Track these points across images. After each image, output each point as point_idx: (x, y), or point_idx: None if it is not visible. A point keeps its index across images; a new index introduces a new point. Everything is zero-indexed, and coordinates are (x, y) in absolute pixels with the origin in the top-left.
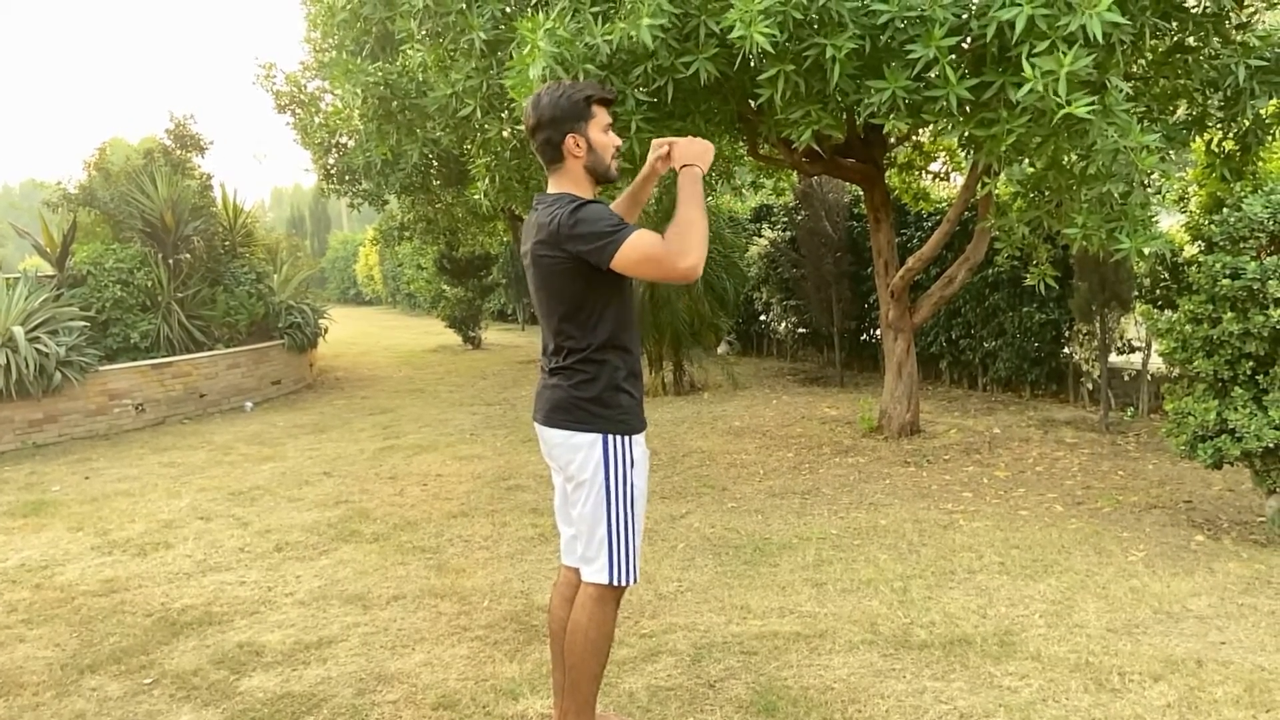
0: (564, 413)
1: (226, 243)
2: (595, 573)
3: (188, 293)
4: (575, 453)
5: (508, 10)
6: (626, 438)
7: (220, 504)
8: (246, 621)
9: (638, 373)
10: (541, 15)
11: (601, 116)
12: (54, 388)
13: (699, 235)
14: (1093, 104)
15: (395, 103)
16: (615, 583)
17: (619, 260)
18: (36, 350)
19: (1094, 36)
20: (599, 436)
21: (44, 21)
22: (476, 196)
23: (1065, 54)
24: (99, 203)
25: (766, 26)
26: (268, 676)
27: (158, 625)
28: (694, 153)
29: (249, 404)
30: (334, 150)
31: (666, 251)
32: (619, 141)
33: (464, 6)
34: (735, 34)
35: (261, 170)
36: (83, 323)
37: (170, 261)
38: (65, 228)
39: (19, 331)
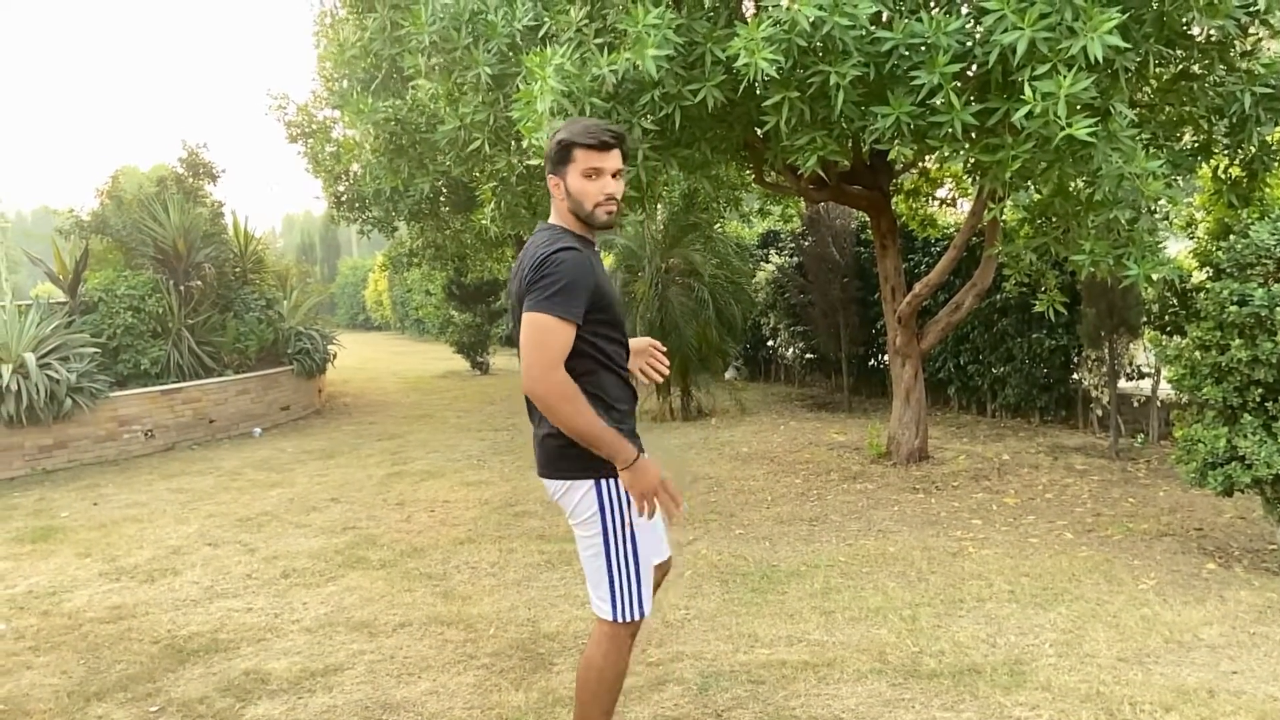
0: (555, 464)
1: (237, 269)
2: (602, 609)
3: (198, 319)
4: (572, 498)
5: (516, 42)
6: (617, 479)
7: (228, 530)
8: (253, 649)
9: (625, 401)
10: (549, 50)
11: (584, 161)
12: (64, 414)
13: (562, 410)
14: (1095, 126)
15: (405, 137)
16: (619, 619)
17: (528, 319)
18: (48, 376)
19: (1095, 59)
20: (592, 483)
21: (56, 50)
22: (484, 222)
23: (1065, 77)
24: (111, 230)
25: (771, 53)
26: (274, 705)
27: (164, 652)
28: (632, 482)
29: (258, 430)
30: (344, 178)
31: (541, 358)
32: (612, 188)
33: (470, 42)
34: (740, 62)
35: (272, 197)
36: (94, 349)
37: (181, 288)
38: (77, 255)
39: (30, 358)
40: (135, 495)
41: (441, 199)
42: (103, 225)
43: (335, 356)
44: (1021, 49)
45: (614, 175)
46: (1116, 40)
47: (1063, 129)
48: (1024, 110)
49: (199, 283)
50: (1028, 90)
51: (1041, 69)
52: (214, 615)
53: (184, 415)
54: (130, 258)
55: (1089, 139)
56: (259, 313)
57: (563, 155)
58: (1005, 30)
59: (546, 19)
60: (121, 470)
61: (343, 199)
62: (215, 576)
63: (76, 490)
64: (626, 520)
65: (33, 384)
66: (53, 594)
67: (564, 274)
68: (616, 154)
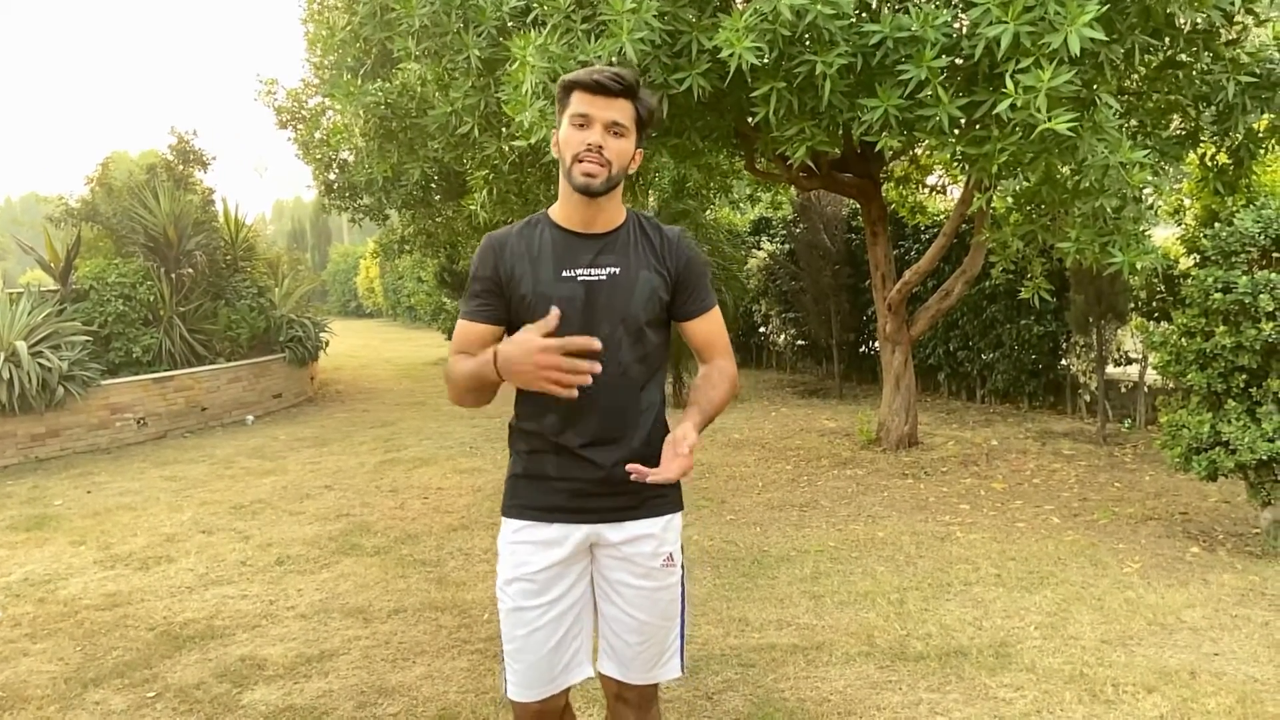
0: None
1: (228, 257)
2: None
3: (190, 307)
4: None
5: (506, 25)
6: (504, 519)
7: (222, 518)
8: (248, 635)
9: (533, 419)
10: (534, 33)
11: (575, 104)
12: (56, 402)
13: (449, 391)
14: (1076, 120)
15: (395, 122)
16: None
17: None
18: (39, 365)
19: (1073, 53)
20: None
21: (45, 35)
22: (475, 209)
23: (1046, 70)
24: (102, 218)
25: (753, 42)
26: (270, 690)
27: (160, 639)
28: (510, 374)
29: (250, 418)
30: (335, 166)
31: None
32: (596, 139)
33: (460, 26)
34: (725, 52)
35: (262, 183)
36: (85, 337)
37: (173, 276)
38: (69, 242)
39: (22, 346)
40: (128, 483)
41: (432, 186)
42: (93, 213)
43: (327, 344)
44: (1005, 43)
45: (611, 130)
46: (1094, 33)
47: (1044, 122)
48: (1006, 103)
49: (190, 270)
50: (1009, 83)
51: (1025, 62)
52: (209, 602)
53: (176, 403)
54: (121, 246)
55: (1069, 133)
56: (251, 300)
57: (561, 99)
58: (990, 23)
59: (535, 4)
60: (114, 459)
61: (334, 187)
62: (210, 564)
63: (70, 478)
64: (499, 573)
65: (24, 372)
66: (48, 581)
67: (474, 271)
68: (621, 105)
